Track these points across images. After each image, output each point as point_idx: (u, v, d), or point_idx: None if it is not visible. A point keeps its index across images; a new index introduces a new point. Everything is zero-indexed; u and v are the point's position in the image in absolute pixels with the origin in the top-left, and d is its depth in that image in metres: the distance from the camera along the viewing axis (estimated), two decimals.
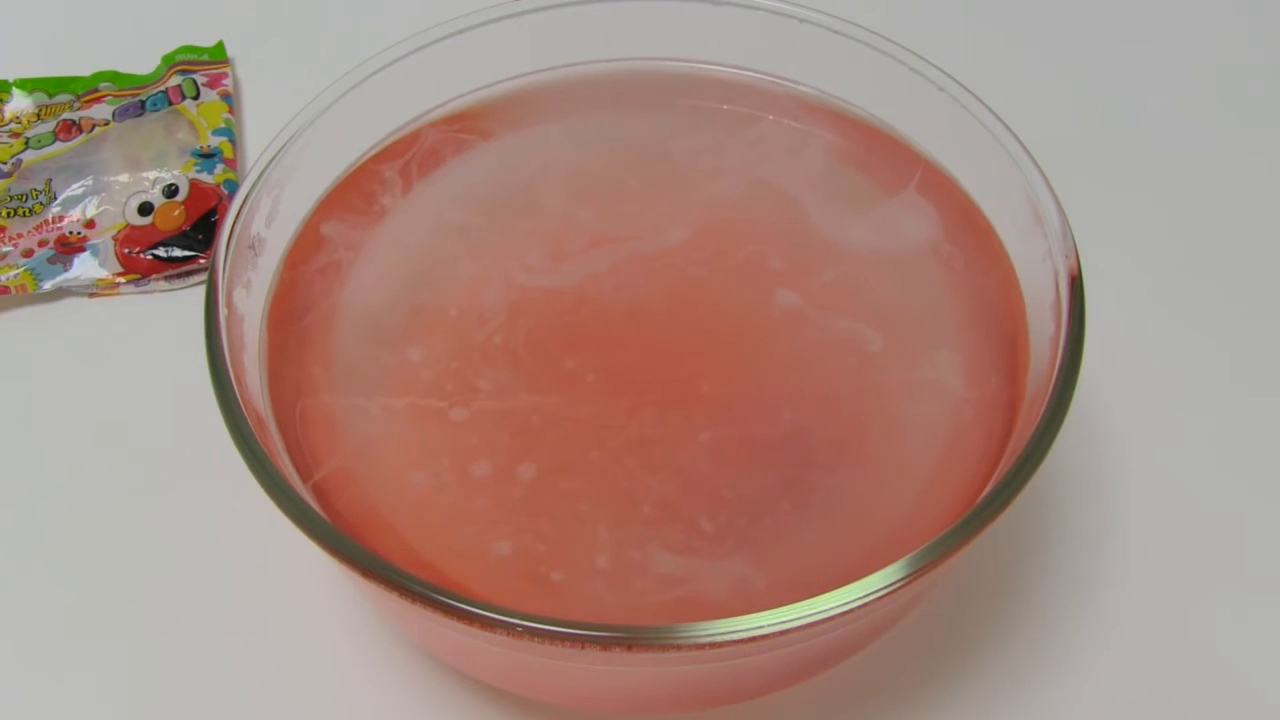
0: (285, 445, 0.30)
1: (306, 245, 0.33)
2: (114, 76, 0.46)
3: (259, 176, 0.32)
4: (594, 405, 0.31)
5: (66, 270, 0.41)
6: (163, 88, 0.45)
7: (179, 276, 0.41)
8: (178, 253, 0.41)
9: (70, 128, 0.44)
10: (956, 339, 0.32)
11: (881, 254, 0.33)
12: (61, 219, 0.42)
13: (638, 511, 0.29)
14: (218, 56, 0.47)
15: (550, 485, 0.29)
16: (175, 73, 0.46)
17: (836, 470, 0.30)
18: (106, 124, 0.44)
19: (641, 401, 0.31)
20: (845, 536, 0.29)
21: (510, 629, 0.24)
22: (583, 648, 0.24)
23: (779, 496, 0.29)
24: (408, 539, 0.29)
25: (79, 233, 0.41)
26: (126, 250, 0.41)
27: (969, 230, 0.33)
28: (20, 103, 0.45)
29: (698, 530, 0.29)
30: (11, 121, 0.45)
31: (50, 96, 0.45)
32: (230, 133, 0.44)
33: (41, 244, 0.41)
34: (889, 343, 0.32)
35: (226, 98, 0.45)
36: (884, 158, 0.35)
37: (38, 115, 0.45)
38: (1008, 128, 0.32)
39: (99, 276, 0.41)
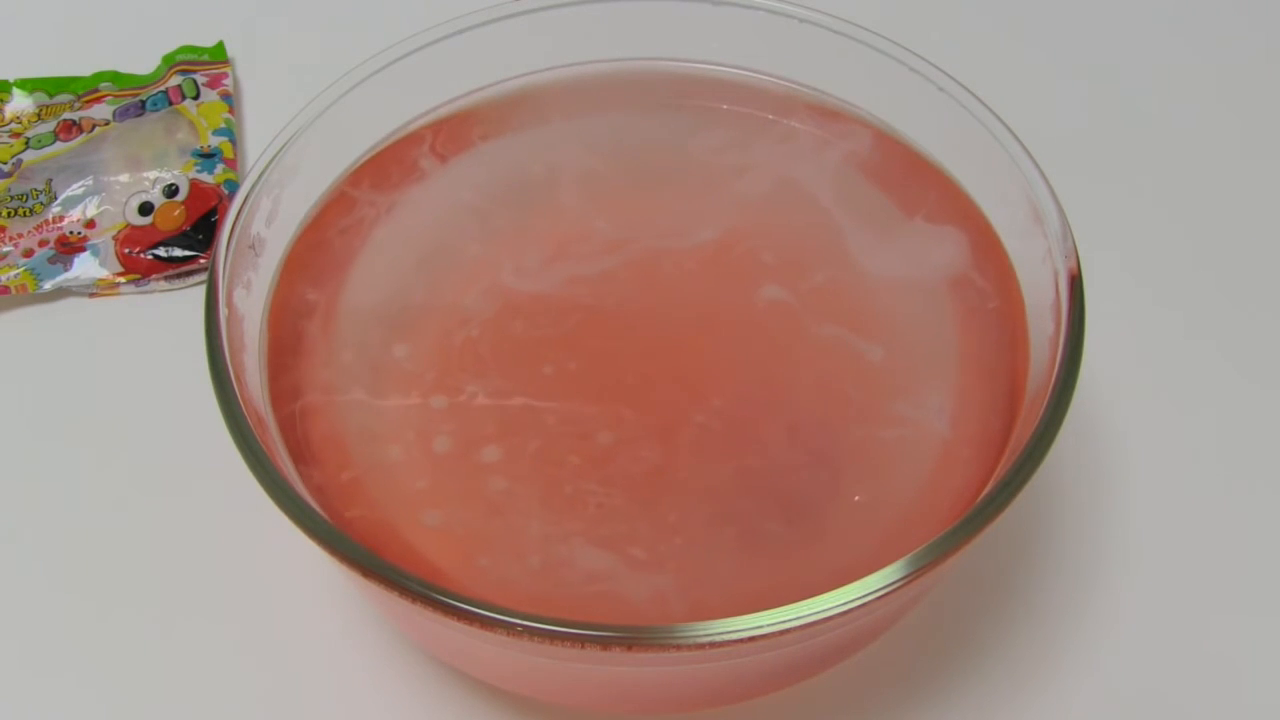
0: (285, 445, 0.30)
1: (307, 242, 0.33)
2: (114, 76, 0.46)
3: (259, 176, 0.32)
4: (577, 406, 0.30)
5: (66, 270, 0.41)
6: (163, 88, 0.45)
7: (179, 276, 0.41)
8: (178, 253, 0.41)
9: (70, 128, 0.44)
10: (958, 370, 0.31)
11: (894, 272, 0.33)
12: (62, 219, 0.42)
13: (582, 511, 0.29)
14: (218, 56, 0.47)
15: (505, 474, 0.29)
16: (175, 73, 0.46)
17: (795, 512, 0.29)
18: (107, 124, 0.44)
19: (622, 407, 0.30)
20: (778, 575, 0.28)
21: (510, 629, 0.24)
22: (583, 648, 0.24)
23: (726, 523, 0.29)
24: (398, 527, 0.29)
25: (79, 233, 0.41)
26: (127, 250, 0.41)
27: (991, 261, 0.33)
28: (20, 103, 0.45)
29: (636, 539, 0.29)
30: (12, 121, 0.45)
31: (50, 96, 0.45)
32: (230, 133, 0.44)
33: (42, 244, 0.41)
34: (887, 363, 0.31)
35: (226, 98, 0.45)
36: (895, 163, 0.35)
37: (38, 115, 0.45)
38: (1008, 128, 0.32)
39: (99, 276, 0.41)
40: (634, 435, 0.30)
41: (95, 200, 0.42)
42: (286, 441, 0.30)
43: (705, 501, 0.29)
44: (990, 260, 0.33)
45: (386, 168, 0.35)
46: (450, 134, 0.36)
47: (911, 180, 0.34)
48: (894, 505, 0.29)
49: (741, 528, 0.29)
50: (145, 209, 0.42)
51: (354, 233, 0.34)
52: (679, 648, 0.24)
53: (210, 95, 0.45)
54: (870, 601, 0.25)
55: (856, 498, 0.29)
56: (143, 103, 0.45)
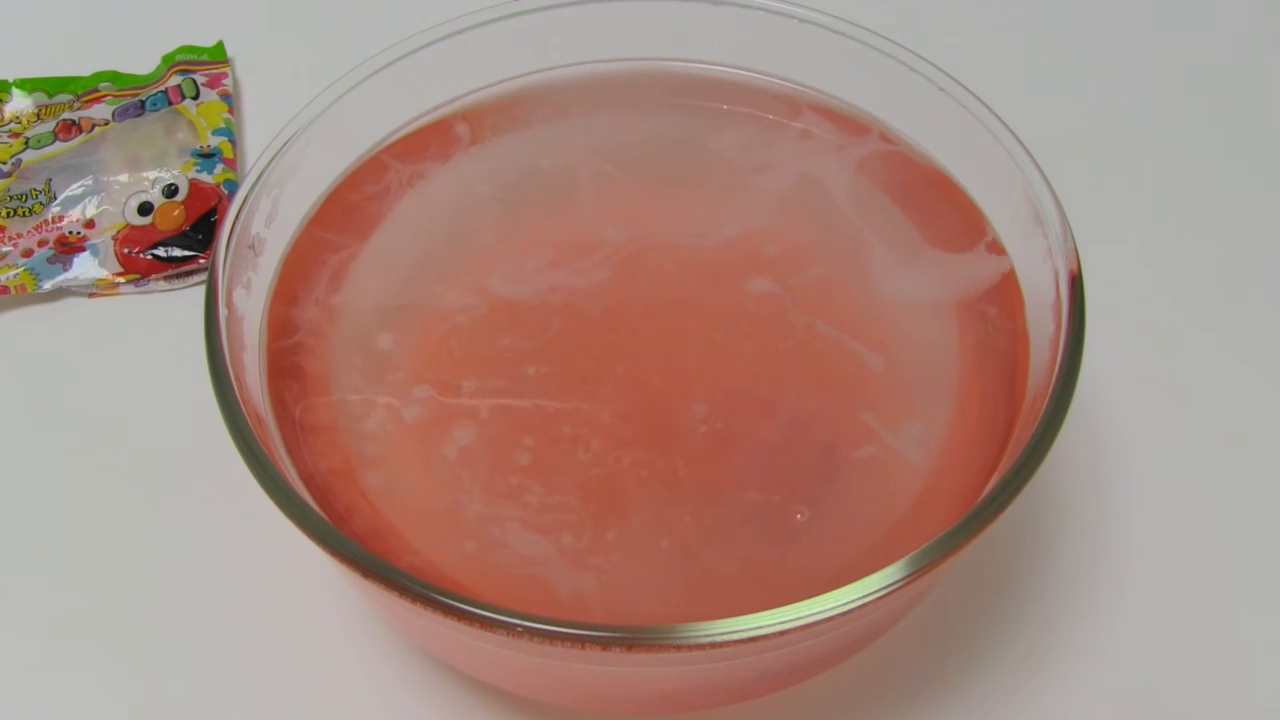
0: (285, 445, 0.30)
1: (307, 243, 0.33)
2: (114, 76, 0.46)
3: (259, 176, 0.32)
4: (568, 408, 0.31)
5: (66, 270, 0.41)
6: (163, 88, 0.45)
7: (179, 276, 0.41)
8: (177, 253, 0.41)
9: (70, 128, 0.44)
10: (954, 395, 0.31)
11: (900, 285, 0.33)
12: (61, 219, 0.42)
13: (522, 501, 0.29)
14: (218, 56, 0.47)
15: (469, 467, 0.30)
16: (175, 73, 0.46)
17: (738, 533, 0.29)
18: (106, 124, 0.44)
19: (603, 410, 0.30)
20: (706, 593, 0.28)
21: (510, 629, 0.24)
22: (583, 648, 0.24)
23: (660, 534, 0.29)
24: (388, 517, 0.29)
25: (79, 233, 0.41)
26: (126, 250, 0.41)
27: (1002, 291, 0.32)
28: (20, 103, 0.45)
29: (577, 538, 0.29)
30: (11, 121, 0.45)
31: (50, 96, 0.45)
32: (230, 133, 0.44)
33: (41, 244, 0.41)
34: (886, 377, 0.31)
35: (226, 98, 0.45)
36: (896, 164, 0.35)
37: (38, 115, 0.45)
38: (1008, 128, 0.32)
39: (99, 276, 0.41)
40: (611, 442, 0.30)
41: (95, 200, 0.42)
42: (286, 441, 0.30)
43: (653, 509, 0.29)
44: (1001, 291, 0.32)
45: (385, 169, 0.35)
46: (450, 133, 0.36)
47: (913, 182, 0.34)
48: (846, 538, 0.29)
49: (676, 539, 0.29)
50: (145, 209, 0.42)
51: (355, 230, 0.34)
52: (679, 648, 0.24)
53: (210, 95, 0.45)
54: (870, 602, 0.25)
55: (798, 516, 0.29)
56: (142, 103, 0.45)
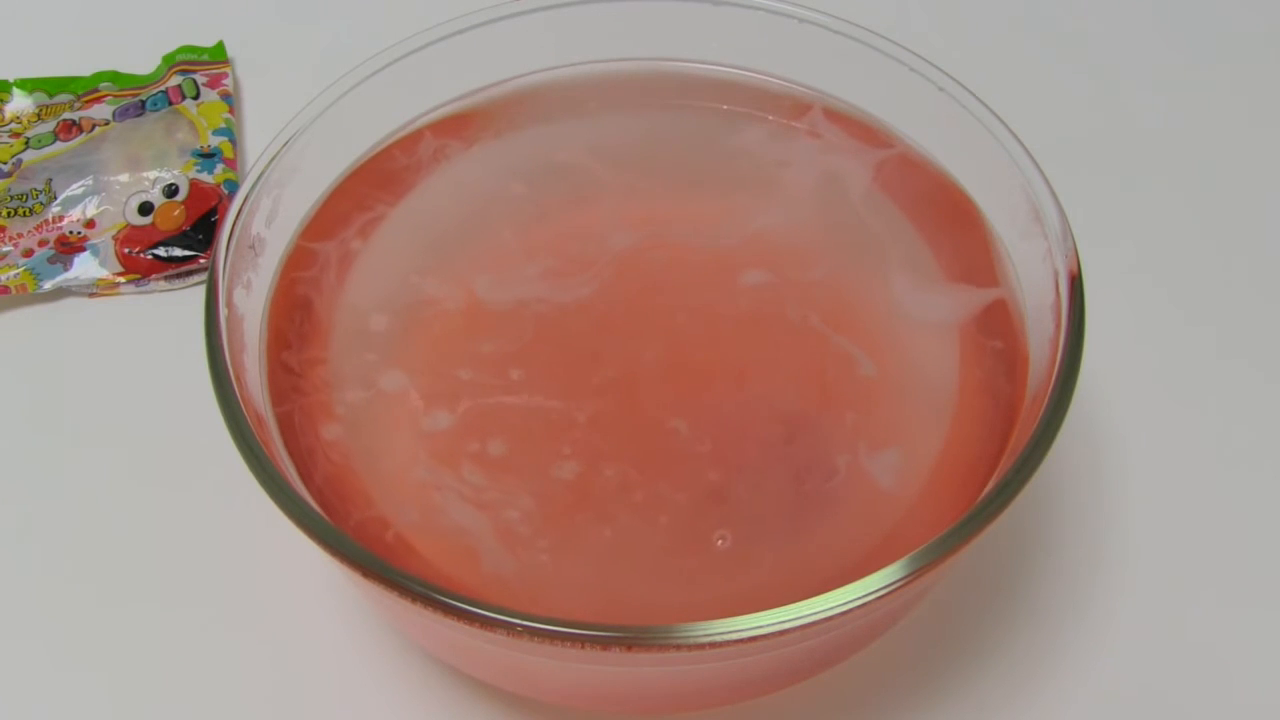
0: (285, 445, 0.30)
1: (307, 244, 0.33)
2: (114, 76, 0.46)
3: (259, 176, 0.32)
4: (554, 403, 0.31)
5: (66, 270, 0.41)
6: (163, 88, 0.45)
7: (179, 276, 0.41)
8: (178, 252, 0.41)
9: (70, 128, 0.44)
10: (953, 394, 0.31)
11: (896, 294, 0.33)
12: (61, 219, 0.42)
13: (463, 479, 0.29)
14: (218, 56, 0.47)
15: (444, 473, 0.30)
16: (175, 73, 0.46)
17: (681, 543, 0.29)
18: (107, 124, 0.44)
19: (579, 411, 0.30)
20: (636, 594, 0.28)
21: (510, 629, 0.24)
22: (582, 648, 0.24)
23: (602, 524, 0.29)
24: (385, 513, 0.29)
25: (79, 232, 0.41)
26: (126, 250, 0.41)
27: (1002, 324, 0.32)
28: (20, 103, 0.45)
29: (518, 507, 0.29)
30: (12, 121, 0.45)
31: (50, 96, 0.45)
32: (230, 132, 0.44)
33: (41, 244, 0.41)
34: (879, 387, 0.31)
35: (226, 98, 0.45)
36: (894, 165, 0.35)
37: (38, 115, 0.45)
38: (1008, 128, 0.32)
39: (99, 276, 0.41)
40: (582, 445, 0.30)
41: (95, 200, 0.42)
42: (286, 441, 0.30)
43: (603, 509, 0.29)
44: (1002, 304, 0.32)
45: (387, 167, 0.35)
46: (450, 134, 0.36)
47: (915, 184, 0.34)
48: (840, 544, 0.29)
49: (618, 528, 0.29)
50: (145, 209, 0.42)
51: (356, 229, 0.34)
52: (679, 648, 0.25)
53: (210, 95, 0.45)
54: (870, 601, 0.25)
55: (719, 542, 0.29)
56: (143, 103, 0.45)
